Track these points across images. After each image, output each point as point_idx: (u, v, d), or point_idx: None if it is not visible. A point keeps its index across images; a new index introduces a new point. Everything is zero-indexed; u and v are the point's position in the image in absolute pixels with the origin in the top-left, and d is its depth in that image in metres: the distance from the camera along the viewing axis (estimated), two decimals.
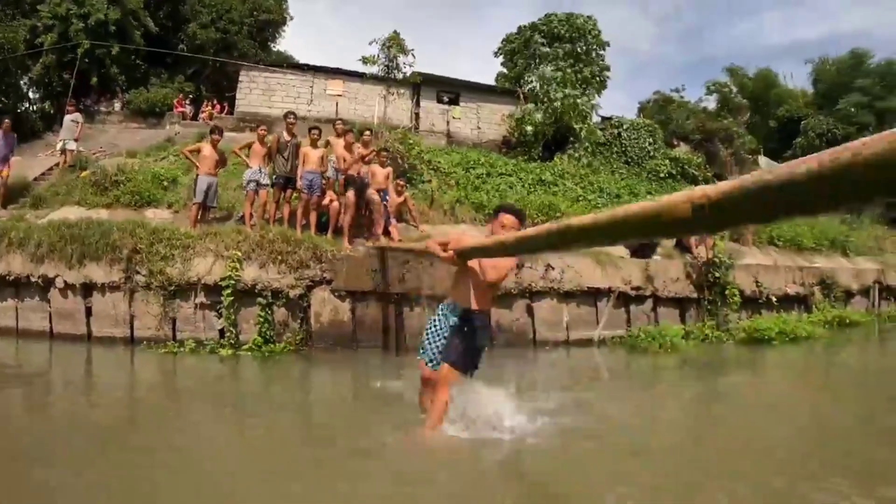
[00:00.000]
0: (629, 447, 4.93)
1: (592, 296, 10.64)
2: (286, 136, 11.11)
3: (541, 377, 8.06)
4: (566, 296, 10.40)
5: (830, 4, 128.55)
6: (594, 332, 10.45)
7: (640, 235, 1.94)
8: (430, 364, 4.66)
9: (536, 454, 4.50)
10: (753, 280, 12.31)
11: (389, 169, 11.56)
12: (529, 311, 10.18)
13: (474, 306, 4.54)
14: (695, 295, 11.45)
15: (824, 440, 5.18)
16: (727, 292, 11.51)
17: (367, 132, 12.18)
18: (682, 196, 1.46)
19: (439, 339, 4.64)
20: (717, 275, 11.51)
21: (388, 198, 11.21)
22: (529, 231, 2.90)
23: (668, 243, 13.28)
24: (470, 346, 4.51)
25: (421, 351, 4.78)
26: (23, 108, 24.65)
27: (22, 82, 24.77)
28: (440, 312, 4.76)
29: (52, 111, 23.94)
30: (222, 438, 5.15)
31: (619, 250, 12.18)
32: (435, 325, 4.72)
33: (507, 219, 4.46)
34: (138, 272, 9.24)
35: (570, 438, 4.82)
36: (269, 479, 4.04)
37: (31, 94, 25.82)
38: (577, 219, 2.06)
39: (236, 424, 5.69)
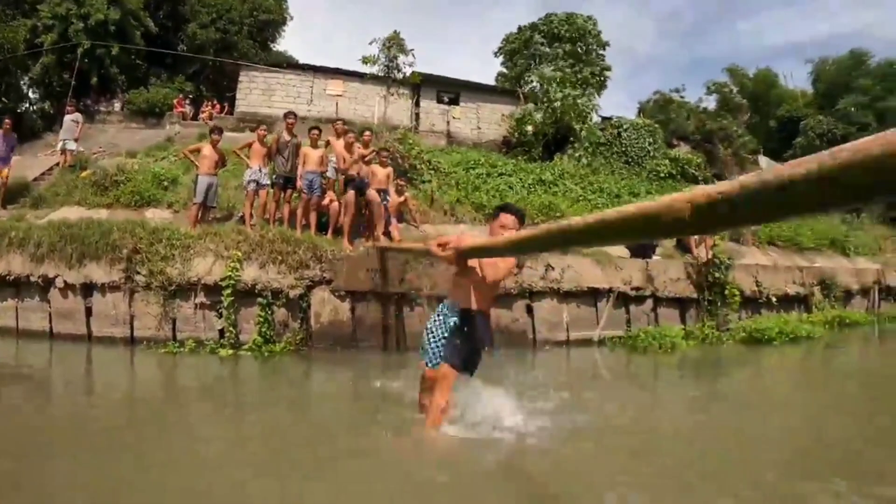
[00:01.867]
0: (627, 447, 4.93)
1: (592, 296, 10.63)
2: (286, 136, 11.12)
3: (541, 377, 8.05)
4: (566, 296, 10.39)
5: (830, 5, 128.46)
6: (594, 333, 10.44)
7: (640, 236, 1.93)
8: (429, 364, 4.62)
9: (535, 454, 4.50)
10: (753, 280, 12.30)
11: (390, 169, 11.54)
12: (529, 311, 10.17)
13: (474, 306, 4.51)
14: (695, 295, 11.43)
15: (823, 440, 5.18)
16: (727, 292, 11.49)
17: (368, 132, 12.19)
18: (681, 196, 1.45)
19: (439, 339, 4.60)
20: (717, 275, 11.49)
21: (388, 198, 11.18)
22: (529, 231, 2.89)
23: (669, 243, 13.29)
24: (469, 347, 4.48)
25: (421, 351, 4.75)
26: (23, 108, 24.64)
27: (22, 82, 24.77)
28: (440, 312, 4.72)
29: (52, 111, 23.91)
30: (221, 438, 5.14)
31: (619, 250, 12.17)
32: (434, 325, 4.68)
33: (507, 219, 4.43)
34: (138, 272, 9.23)
35: (569, 438, 4.82)
36: (268, 480, 4.04)
37: (31, 94, 25.83)
38: (577, 219, 2.05)
39: (235, 424, 5.69)
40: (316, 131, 10.95)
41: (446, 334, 4.56)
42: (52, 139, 18.76)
